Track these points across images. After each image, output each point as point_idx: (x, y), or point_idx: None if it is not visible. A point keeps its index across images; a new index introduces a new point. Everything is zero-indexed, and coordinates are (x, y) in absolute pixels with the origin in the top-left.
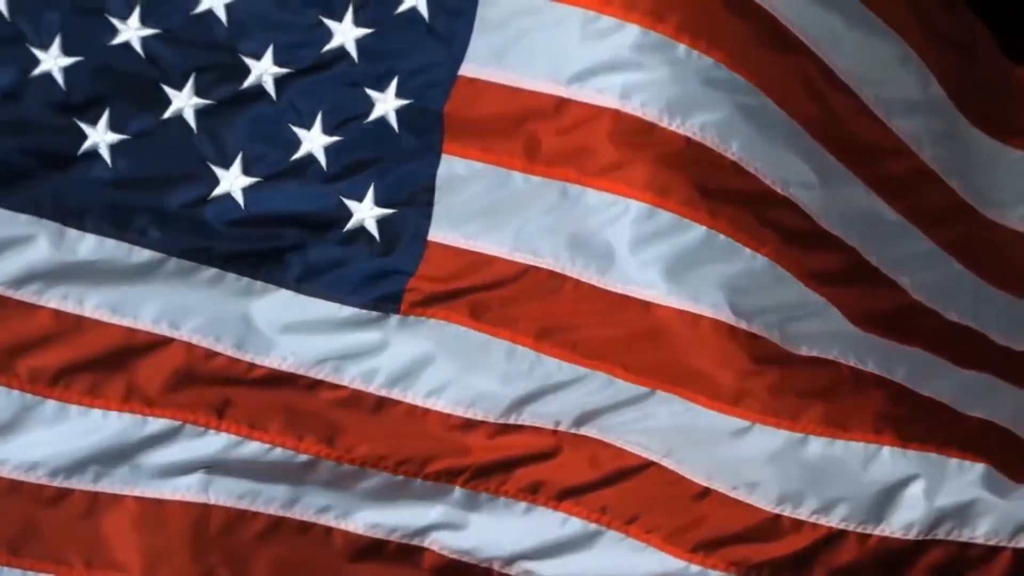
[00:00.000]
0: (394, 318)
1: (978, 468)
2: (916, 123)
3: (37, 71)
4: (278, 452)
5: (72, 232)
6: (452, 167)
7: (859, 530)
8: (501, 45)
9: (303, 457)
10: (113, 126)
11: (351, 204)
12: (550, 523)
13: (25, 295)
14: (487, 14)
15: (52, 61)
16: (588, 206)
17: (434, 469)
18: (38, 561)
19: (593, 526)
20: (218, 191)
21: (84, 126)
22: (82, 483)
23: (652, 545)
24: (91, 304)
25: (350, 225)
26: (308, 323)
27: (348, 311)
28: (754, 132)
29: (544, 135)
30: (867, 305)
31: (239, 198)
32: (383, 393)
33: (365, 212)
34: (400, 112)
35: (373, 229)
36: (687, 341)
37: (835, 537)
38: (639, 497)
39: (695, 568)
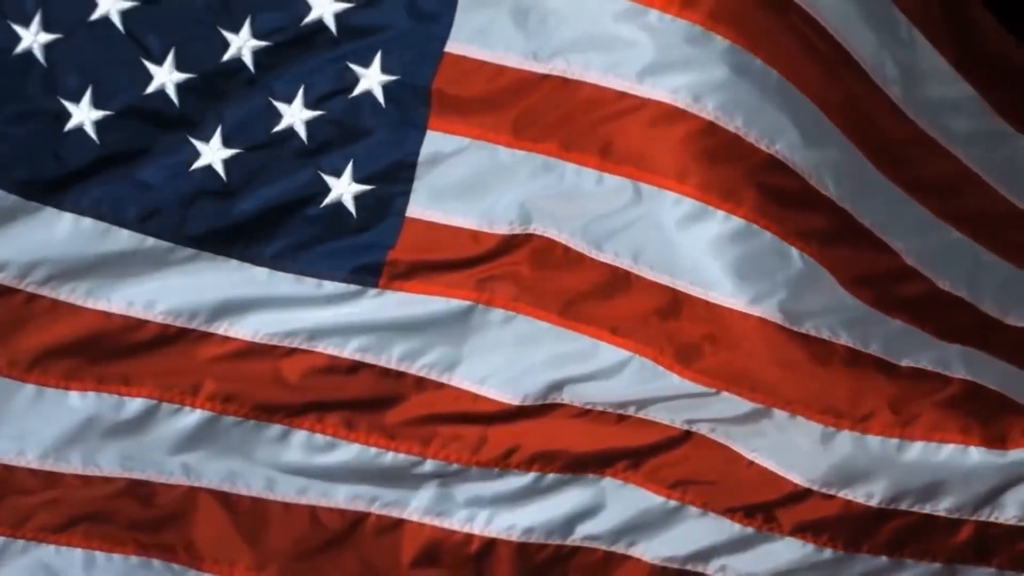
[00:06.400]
0: (372, 291)
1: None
2: (921, 93)
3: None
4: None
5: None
6: (437, 144)
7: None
8: (486, 23)
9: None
10: (96, 103)
11: (329, 179)
12: None
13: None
14: None
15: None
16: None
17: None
18: None
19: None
20: (199, 163)
21: (67, 103)
22: None
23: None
24: (66, 289)
25: (327, 200)
26: (284, 299)
27: (328, 287)
28: (733, 88)
29: (534, 111)
30: (857, 267)
31: (220, 170)
32: (357, 357)
33: (343, 188)
34: (386, 87)
35: (350, 205)
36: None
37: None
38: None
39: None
